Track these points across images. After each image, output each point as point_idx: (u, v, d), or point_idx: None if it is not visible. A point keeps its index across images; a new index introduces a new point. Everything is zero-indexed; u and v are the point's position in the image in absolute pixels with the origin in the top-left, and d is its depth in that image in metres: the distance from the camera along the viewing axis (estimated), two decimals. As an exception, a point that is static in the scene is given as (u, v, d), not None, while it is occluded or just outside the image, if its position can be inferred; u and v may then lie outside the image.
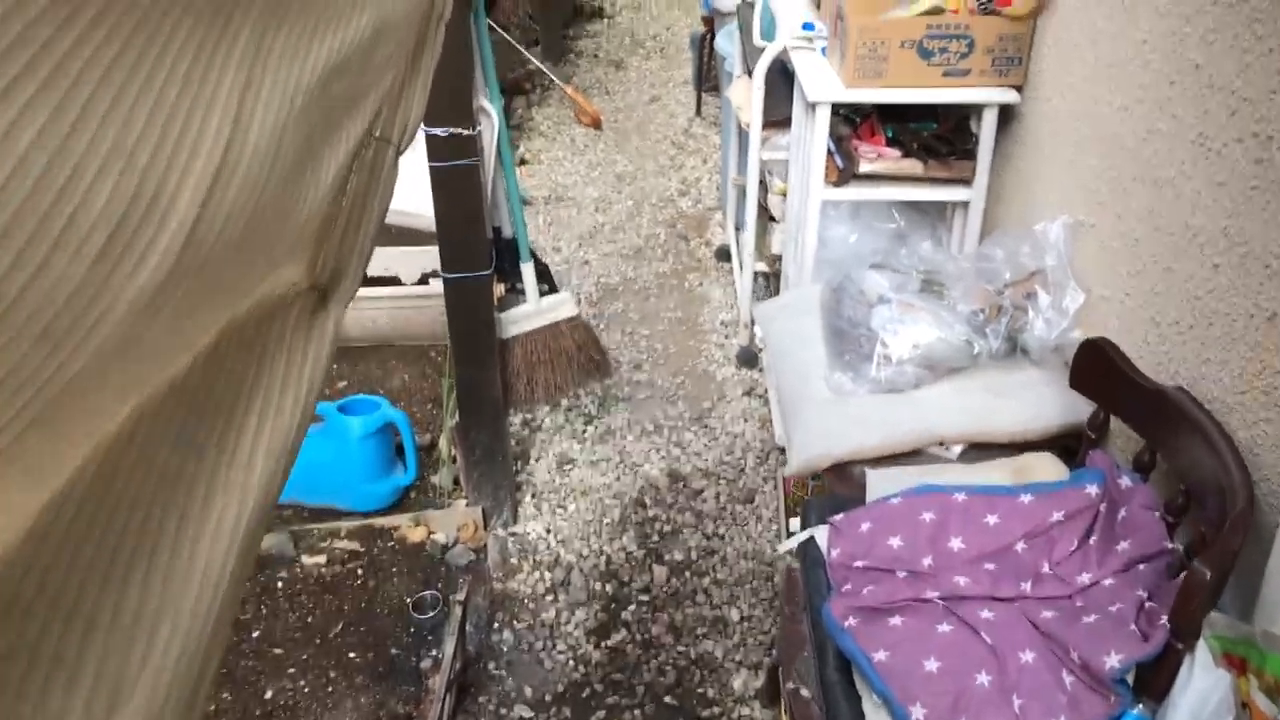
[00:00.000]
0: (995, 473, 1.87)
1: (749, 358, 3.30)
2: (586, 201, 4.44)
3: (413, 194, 2.49)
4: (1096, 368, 1.81)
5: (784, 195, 3.12)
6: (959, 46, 2.36)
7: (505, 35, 5.19)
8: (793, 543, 1.92)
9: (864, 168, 2.50)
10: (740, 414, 3.09)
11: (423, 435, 2.91)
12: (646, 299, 3.73)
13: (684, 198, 4.42)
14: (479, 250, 2.26)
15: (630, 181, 4.59)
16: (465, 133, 2.10)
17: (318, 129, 0.85)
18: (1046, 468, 1.84)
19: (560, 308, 2.57)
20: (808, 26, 2.70)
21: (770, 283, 3.42)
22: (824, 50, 2.61)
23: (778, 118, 3.00)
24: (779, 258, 3.11)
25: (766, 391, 3.14)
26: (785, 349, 2.43)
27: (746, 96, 3.23)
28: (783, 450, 2.82)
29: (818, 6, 3.02)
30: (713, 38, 4.95)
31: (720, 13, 4.19)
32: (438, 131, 2.11)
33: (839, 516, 1.82)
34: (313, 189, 0.93)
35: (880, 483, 1.93)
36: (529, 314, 2.54)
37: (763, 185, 3.18)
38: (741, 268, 3.30)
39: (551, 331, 2.55)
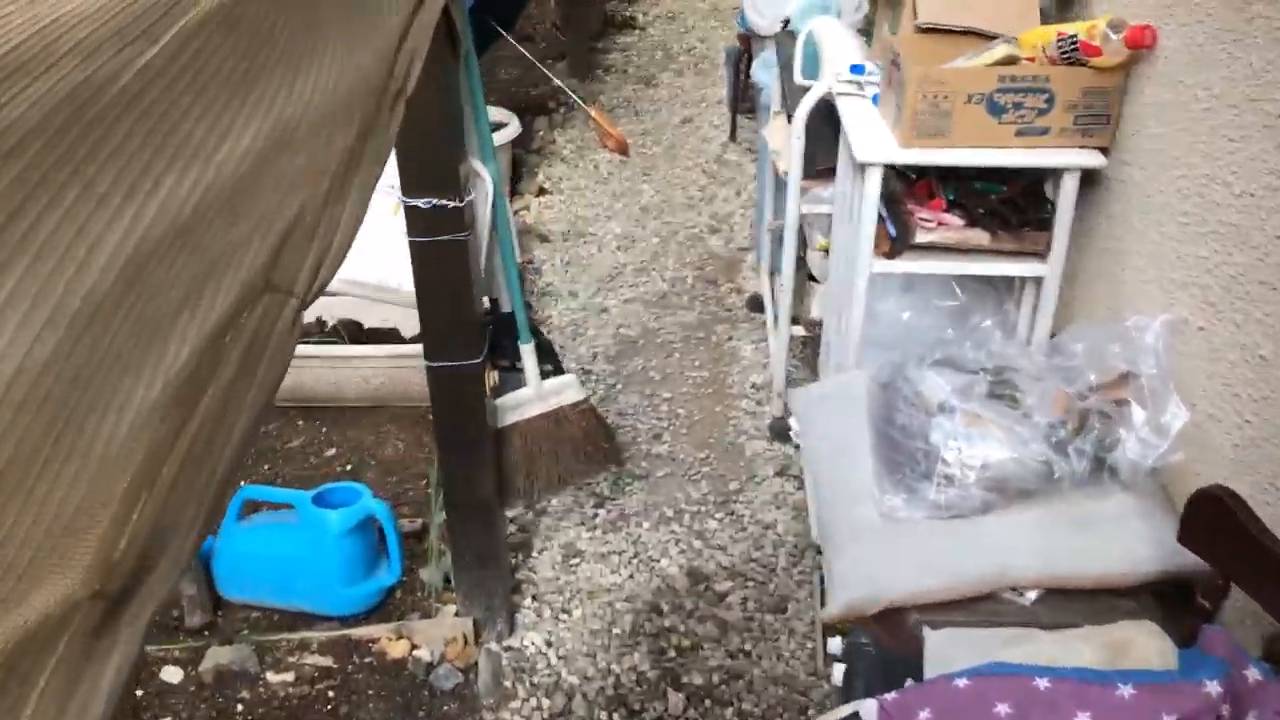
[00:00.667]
0: (1084, 646, 1.54)
1: (782, 431, 2.98)
2: (608, 238, 4.13)
3: (394, 262, 2.22)
4: (1215, 526, 1.47)
5: (825, 251, 2.80)
6: (1036, 101, 2.03)
7: (525, 52, 4.89)
8: (834, 718, 1.59)
9: (921, 237, 2.17)
10: (771, 499, 2.76)
11: (414, 520, 2.62)
12: (670, 355, 3.41)
13: (714, 236, 4.10)
14: (468, 335, 1.96)
15: (657, 215, 4.28)
16: (452, 204, 1.80)
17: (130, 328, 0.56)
18: (1149, 646, 1.50)
19: (565, 392, 2.27)
20: (857, 69, 2.37)
21: (809, 349, 3.09)
22: (876, 98, 2.28)
23: (820, 167, 2.68)
24: (819, 322, 2.79)
25: (801, 473, 2.82)
26: (825, 453, 2.11)
27: (785, 140, 2.90)
28: (819, 551, 2.50)
29: (868, 42, 2.70)
30: (749, 58, 4.64)
31: (757, 35, 3.87)
32: (418, 203, 1.81)
33: (890, 698, 1.49)
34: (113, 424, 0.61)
35: (942, 648, 1.61)
36: (529, 399, 2.23)
37: (801, 238, 2.85)
38: (777, 329, 2.97)
39: (554, 418, 2.25)
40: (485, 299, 2.22)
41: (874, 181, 2.11)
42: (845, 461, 2.04)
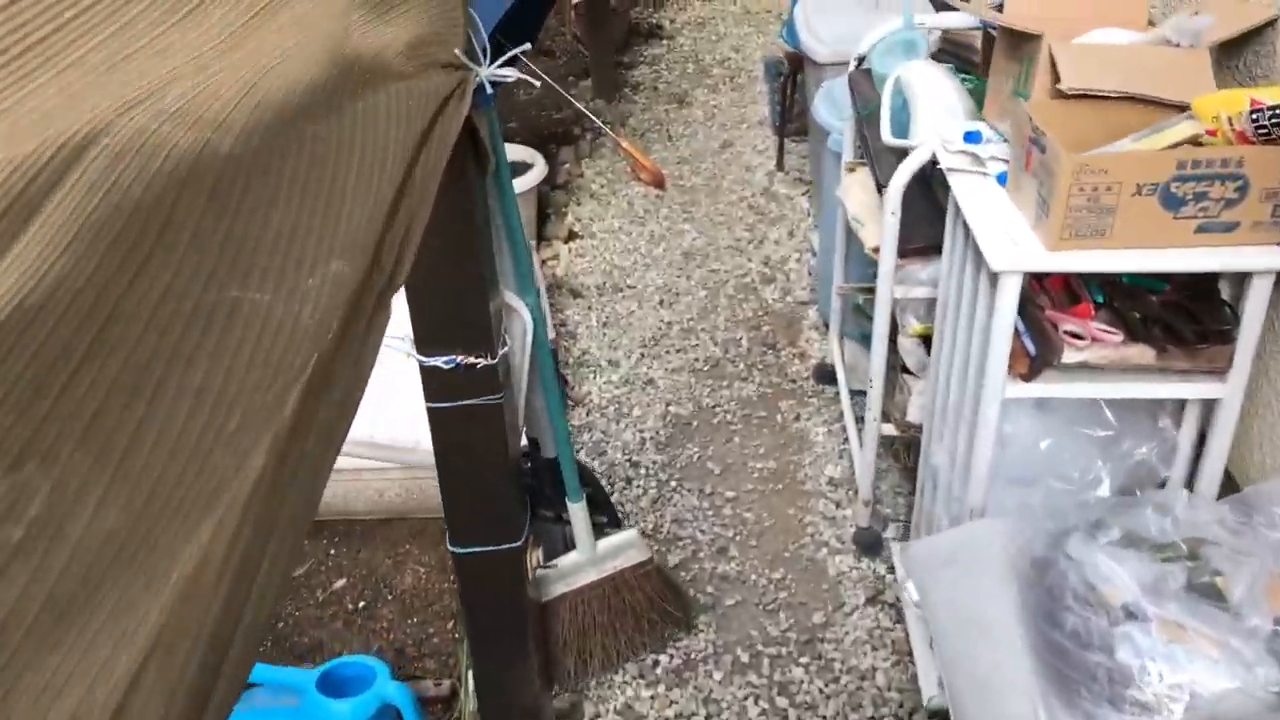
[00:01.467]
0: None
1: (871, 542, 2.56)
2: (649, 291, 3.70)
3: (411, 416, 1.80)
4: None
5: (921, 339, 2.37)
6: (1224, 191, 1.60)
7: (546, 79, 4.46)
8: None
9: (1070, 357, 1.74)
10: (866, 636, 2.35)
11: (439, 682, 2.22)
12: (729, 439, 2.99)
13: (768, 286, 3.67)
14: (506, 515, 1.55)
15: (701, 262, 3.85)
16: (481, 362, 1.39)
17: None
18: None
19: (624, 553, 1.86)
20: (972, 137, 1.94)
21: (904, 457, 2.67)
22: (1002, 178, 1.85)
23: (915, 247, 2.25)
24: (917, 426, 2.36)
25: (898, 600, 2.40)
26: (954, 628, 1.69)
27: (865, 202, 2.48)
28: (935, 717, 2.08)
29: (970, 87, 2.26)
30: (794, 79, 4.21)
31: (813, 61, 3.43)
32: (438, 362, 1.39)
33: None
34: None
35: None
36: (581, 565, 1.82)
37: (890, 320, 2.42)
38: (861, 429, 2.55)
39: (612, 585, 1.84)
40: (523, 438, 1.81)
41: (1010, 293, 1.69)
42: (983, 647, 1.63)
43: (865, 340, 2.83)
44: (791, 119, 4.42)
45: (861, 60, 2.67)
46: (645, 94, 5.21)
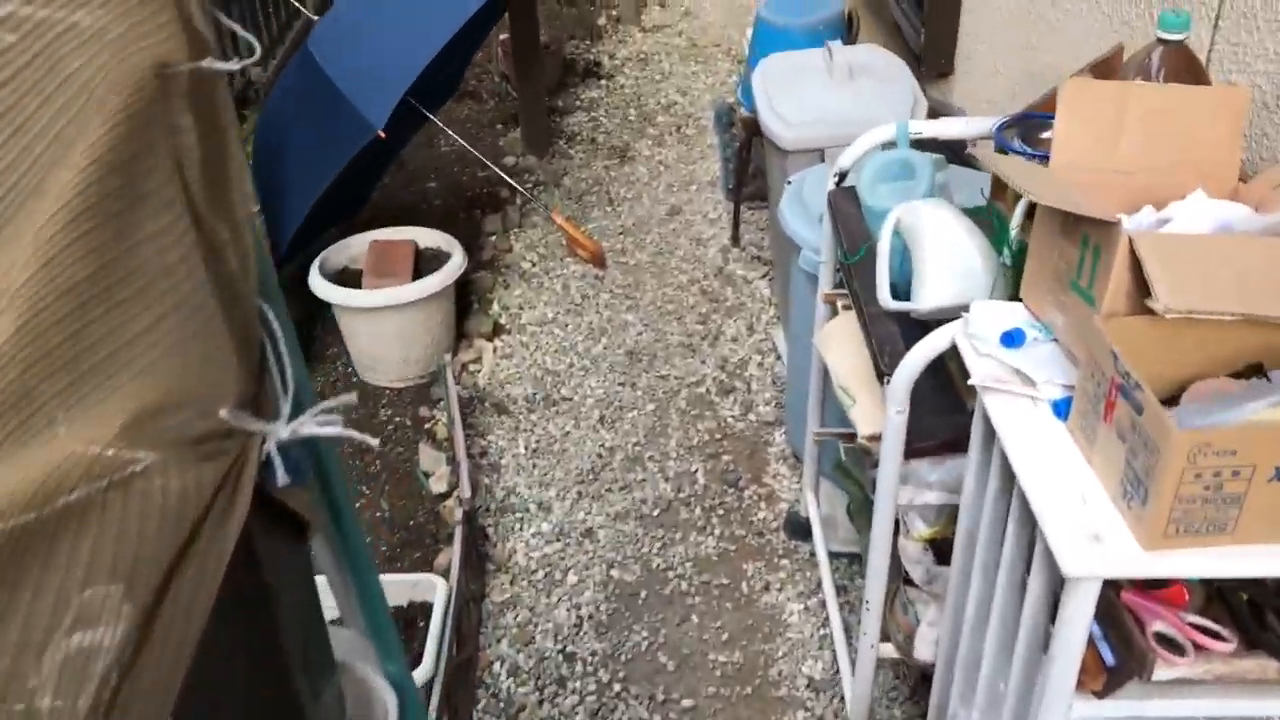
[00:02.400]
0: None
1: (864, 782, 2.08)
2: (588, 404, 3.20)
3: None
4: None
5: (928, 545, 1.90)
6: (1396, 471, 1.13)
7: (463, 143, 3.94)
8: None
9: (1163, 673, 1.27)
10: None
11: None
12: (684, 617, 2.50)
13: (727, 399, 3.18)
14: None
15: (648, 364, 3.36)
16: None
17: None
18: None
19: None
20: (1013, 339, 1.46)
21: (908, 687, 2.19)
22: (1061, 407, 1.37)
23: (926, 444, 1.77)
24: (930, 664, 1.88)
25: None
26: None
27: (853, 366, 1.99)
28: None
29: (994, 239, 1.78)
30: (749, 146, 3.73)
31: (777, 148, 2.93)
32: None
33: None
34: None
35: None
36: None
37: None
38: (854, 662, 2.06)
39: None
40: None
41: (1085, 602, 1.21)
42: None
43: (845, 481, 2.36)
44: (748, 182, 3.94)
45: (843, 177, 2.18)
46: (583, 147, 4.69)
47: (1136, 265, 1.29)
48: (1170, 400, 1.31)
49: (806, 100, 2.90)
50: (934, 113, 3.20)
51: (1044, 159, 1.81)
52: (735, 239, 3.92)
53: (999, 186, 1.99)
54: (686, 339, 3.46)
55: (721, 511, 2.80)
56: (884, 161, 2.02)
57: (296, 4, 3.81)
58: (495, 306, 3.66)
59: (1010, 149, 1.86)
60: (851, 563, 2.57)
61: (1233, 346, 1.28)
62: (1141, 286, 1.29)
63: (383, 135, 2.89)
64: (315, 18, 3.53)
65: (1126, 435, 1.20)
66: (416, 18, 3.08)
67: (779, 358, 3.31)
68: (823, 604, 2.47)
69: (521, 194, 4.06)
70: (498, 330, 3.55)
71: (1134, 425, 1.18)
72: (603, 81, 5.27)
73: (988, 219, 1.86)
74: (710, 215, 4.13)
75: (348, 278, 3.33)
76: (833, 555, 2.55)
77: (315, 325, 3.53)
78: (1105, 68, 1.94)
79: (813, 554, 2.59)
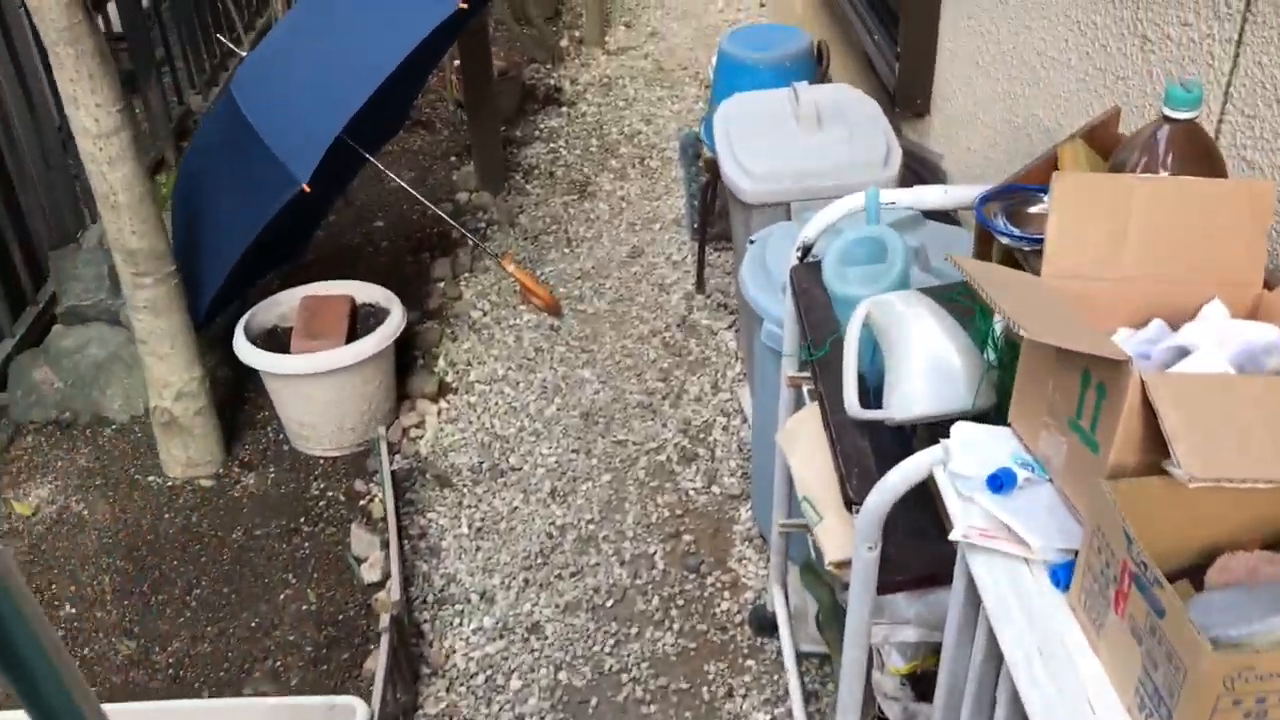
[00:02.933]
0: None
1: None
2: (538, 475, 2.97)
3: None
4: None
5: (907, 680, 1.67)
6: None
7: (408, 189, 3.70)
8: None
9: None
10: None
11: None
12: (639, 730, 2.27)
13: (689, 468, 2.96)
14: None
15: (605, 427, 3.13)
16: None
17: None
18: None
19: None
20: (1000, 482, 1.24)
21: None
22: (1060, 574, 1.15)
23: (901, 579, 1.54)
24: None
25: None
26: None
27: (819, 472, 1.77)
28: None
29: (976, 337, 1.56)
30: (714, 186, 3.51)
31: (739, 201, 2.71)
32: None
33: None
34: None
35: None
36: None
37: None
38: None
39: None
40: None
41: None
42: None
43: (813, 586, 2.14)
44: (713, 223, 3.73)
45: (807, 251, 1.97)
46: (540, 181, 4.46)
47: (1149, 412, 1.07)
48: (1192, 572, 1.09)
49: (771, 148, 2.68)
50: (910, 159, 2.99)
51: (1034, 243, 1.60)
52: (700, 285, 3.70)
53: (981, 250, 1.78)
54: (647, 398, 3.24)
55: (681, 602, 2.57)
56: (852, 240, 1.79)
57: (229, 45, 3.55)
58: (441, 363, 3.42)
59: (995, 230, 1.65)
60: (823, 664, 2.35)
61: (1267, 511, 1.07)
62: (1156, 437, 1.07)
63: (307, 189, 2.66)
64: (244, 53, 3.29)
65: (1143, 637, 0.98)
66: (350, 56, 2.84)
67: (745, 420, 3.09)
68: (790, 713, 2.24)
69: (471, 240, 3.82)
70: (443, 390, 3.31)
71: (1153, 629, 0.96)
72: (564, 109, 5.04)
73: (969, 305, 1.64)
74: (674, 257, 3.91)
75: (277, 338, 3.09)
76: (803, 656, 2.33)
77: (244, 387, 3.28)
78: (1100, 134, 1.73)
79: (779, 653, 2.37)
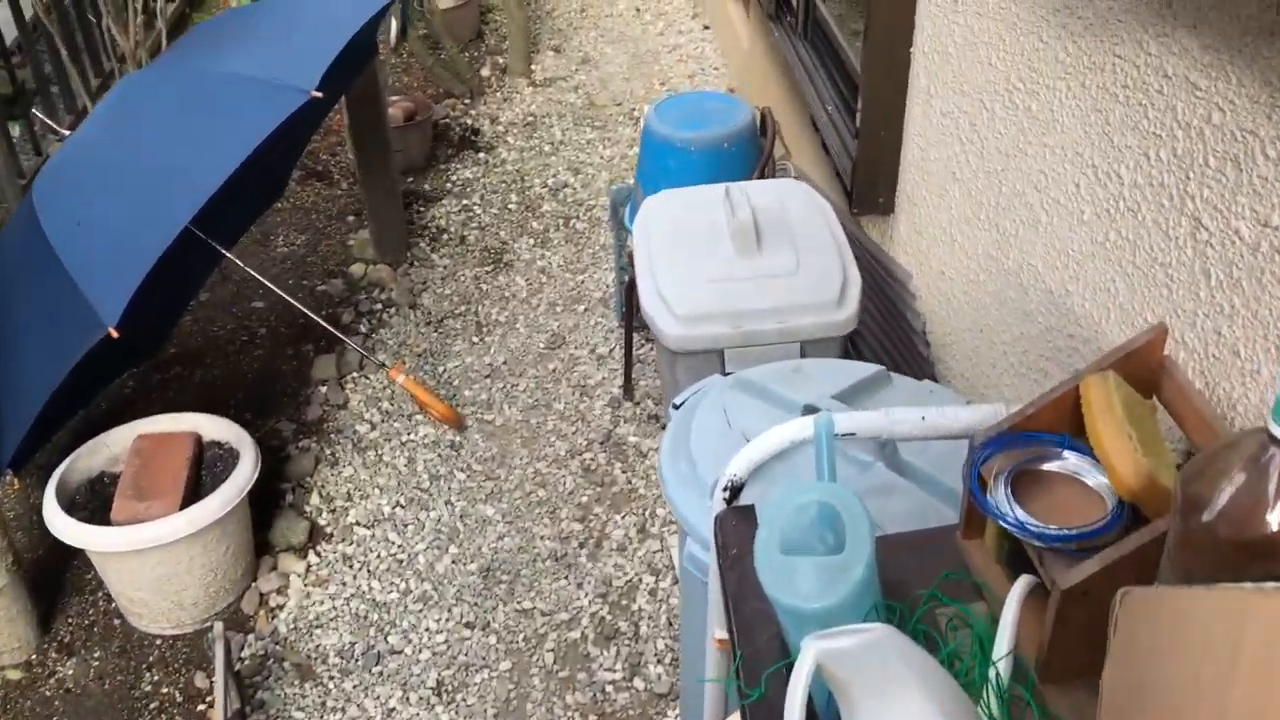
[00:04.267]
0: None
1: None
2: (423, 660, 2.46)
3: None
4: None
5: None
6: None
7: (276, 290, 3.15)
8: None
9: None
10: None
11: None
12: None
13: (608, 648, 2.46)
14: None
15: (509, 590, 2.62)
16: None
17: None
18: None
19: None
20: None
21: None
22: None
23: None
24: None
25: None
26: None
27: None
28: None
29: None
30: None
31: (660, 345, 2.20)
32: None
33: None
34: None
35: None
36: None
37: None
38: None
39: None
40: None
41: None
42: None
43: None
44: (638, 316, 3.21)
45: (737, 492, 1.46)
46: (449, 249, 3.92)
47: None
48: None
49: (699, 276, 2.18)
50: (873, 265, 2.50)
51: (1055, 541, 1.11)
52: (627, 388, 3.19)
53: (973, 524, 1.30)
54: (560, 545, 2.73)
55: None
56: (794, 508, 1.29)
57: (46, 122, 2.96)
58: (315, 499, 2.89)
59: (997, 516, 1.16)
60: None
61: None
62: None
63: (114, 335, 2.11)
64: (65, 132, 2.72)
65: None
66: (173, 162, 2.29)
67: (676, 581, 2.60)
68: None
69: (352, 348, 3.28)
70: (315, 536, 2.78)
71: None
72: (481, 154, 4.49)
73: (961, 609, 1.16)
74: (599, 349, 3.39)
75: (103, 491, 2.55)
76: None
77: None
78: (1138, 365, 1.25)
79: None
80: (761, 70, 4.10)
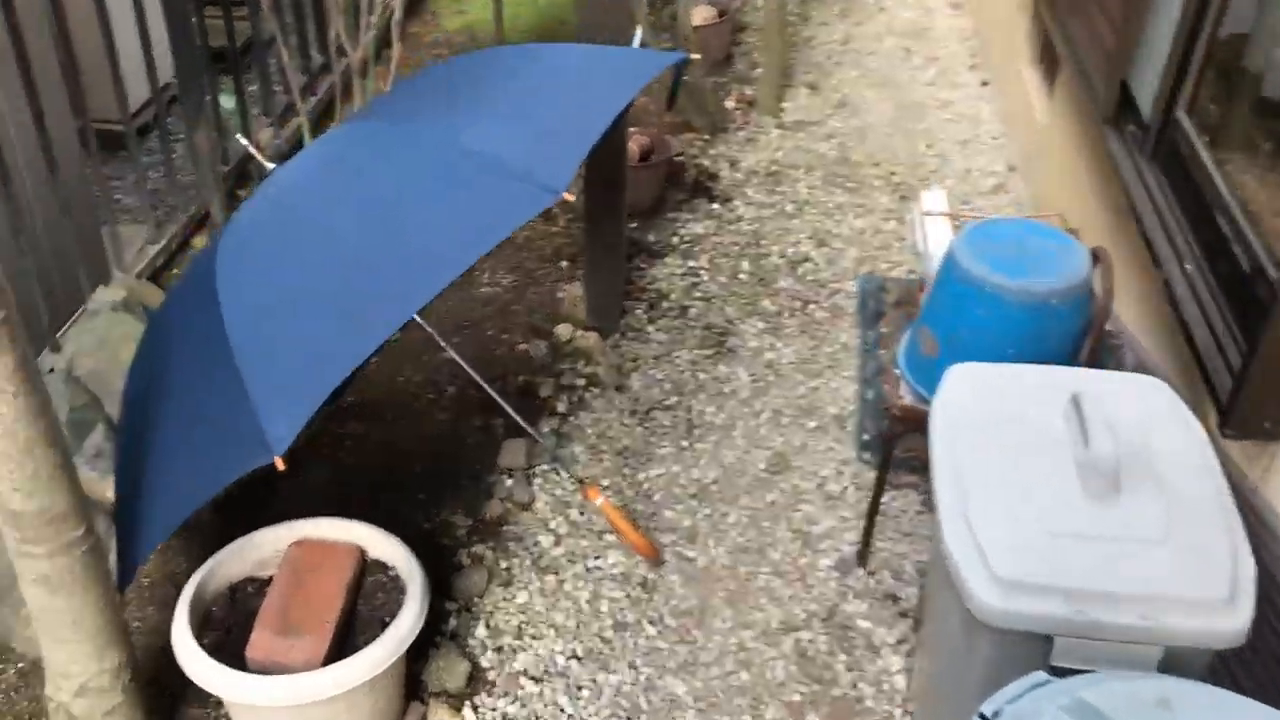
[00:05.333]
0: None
1: None
2: None
3: None
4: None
5: None
6: None
7: (463, 365, 2.73)
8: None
9: None
10: None
11: None
12: None
13: None
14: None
15: (692, 811, 2.14)
16: None
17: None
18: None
19: None
20: None
21: None
22: None
23: None
24: None
25: None
26: None
27: None
28: None
29: None
30: (899, 438, 2.47)
31: (966, 613, 1.66)
32: None
33: None
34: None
35: None
36: None
37: None
38: None
39: None
40: None
41: None
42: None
43: None
44: (889, 457, 2.67)
45: None
46: (668, 319, 3.45)
47: None
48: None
49: (1032, 519, 1.63)
50: (1253, 525, 1.89)
51: None
52: (864, 553, 2.65)
53: None
54: (762, 757, 2.24)
55: None
56: None
57: (248, 146, 2.58)
58: (481, 629, 2.47)
59: None
60: None
61: None
62: None
63: (281, 466, 1.71)
64: (270, 166, 2.35)
65: None
66: (395, 237, 1.87)
67: None
68: None
69: (544, 448, 2.85)
70: (474, 682, 2.37)
71: None
72: (715, 205, 4.00)
73: None
74: (830, 486, 2.87)
75: (244, 601, 2.19)
76: None
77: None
78: None
79: None
80: (1063, 165, 3.47)
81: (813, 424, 3.07)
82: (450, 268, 1.81)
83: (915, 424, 2.30)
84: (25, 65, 2.70)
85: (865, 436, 2.94)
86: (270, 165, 2.35)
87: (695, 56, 1.94)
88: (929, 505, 2.74)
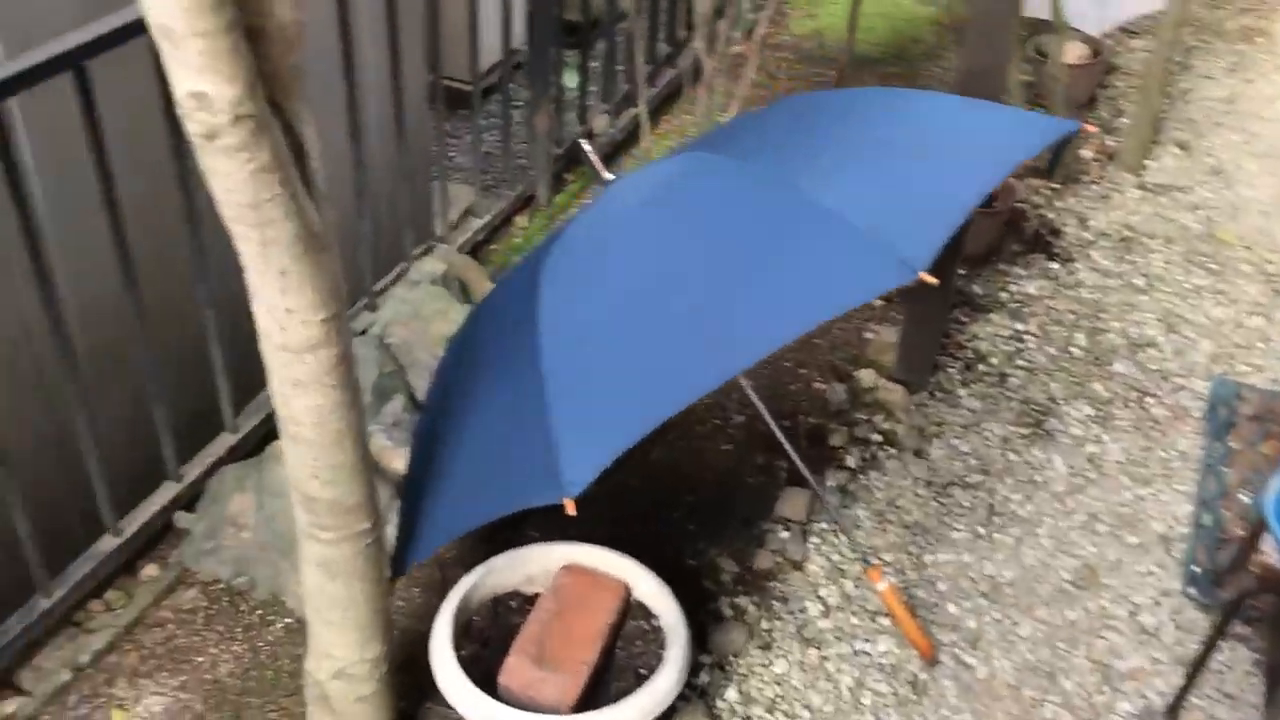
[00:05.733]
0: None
1: None
2: None
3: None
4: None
5: None
6: None
7: (755, 400, 2.56)
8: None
9: None
10: None
11: None
12: None
13: None
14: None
15: None
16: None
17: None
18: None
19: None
20: None
21: None
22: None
23: None
24: None
25: None
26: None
27: None
28: None
29: None
30: (1258, 594, 2.12)
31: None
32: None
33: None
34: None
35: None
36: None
37: None
38: None
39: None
40: None
41: None
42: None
43: None
44: (1235, 579, 2.32)
45: None
46: (982, 384, 3.17)
47: None
48: None
49: None
50: None
51: None
52: (1176, 708, 2.31)
53: None
54: None
55: None
56: None
57: (589, 154, 2.48)
58: (732, 694, 2.33)
59: None
60: None
61: None
62: None
63: (571, 511, 1.62)
64: (609, 176, 2.27)
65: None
66: (719, 296, 1.73)
67: None
68: None
69: (830, 514, 2.65)
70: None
71: None
72: (1054, 265, 3.66)
73: None
74: (1144, 616, 2.53)
75: (506, 615, 2.14)
76: None
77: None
78: None
79: None
80: None
81: (1133, 539, 2.72)
82: (788, 328, 1.65)
83: (1278, 588, 1.96)
84: (393, 13, 2.74)
85: (1195, 569, 2.57)
86: (609, 176, 2.27)
87: (1092, 128, 1.67)
88: (1261, 667, 2.36)
